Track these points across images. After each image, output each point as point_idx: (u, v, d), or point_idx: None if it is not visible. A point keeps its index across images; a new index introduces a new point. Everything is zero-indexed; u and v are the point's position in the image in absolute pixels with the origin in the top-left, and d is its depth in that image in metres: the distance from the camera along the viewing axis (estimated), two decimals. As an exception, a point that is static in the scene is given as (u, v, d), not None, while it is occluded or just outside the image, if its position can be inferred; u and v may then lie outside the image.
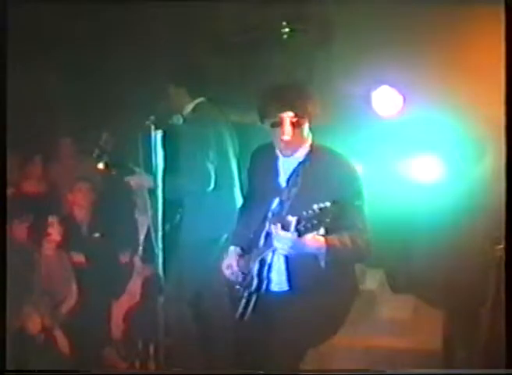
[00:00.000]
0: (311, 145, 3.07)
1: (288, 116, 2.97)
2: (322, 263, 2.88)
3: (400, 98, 5.11)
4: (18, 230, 5.06)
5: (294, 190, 3.01)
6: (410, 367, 4.47)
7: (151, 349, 4.57)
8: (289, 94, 2.99)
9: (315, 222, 2.68)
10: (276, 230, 2.80)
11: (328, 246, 2.84)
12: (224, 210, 4.00)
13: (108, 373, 4.53)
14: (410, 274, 5.33)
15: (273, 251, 3.01)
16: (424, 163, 5.23)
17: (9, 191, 4.94)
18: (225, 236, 3.74)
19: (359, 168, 5.29)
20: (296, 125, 2.98)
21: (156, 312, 3.42)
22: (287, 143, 3.01)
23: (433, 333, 4.93)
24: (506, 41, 3.45)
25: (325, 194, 2.83)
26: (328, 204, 2.65)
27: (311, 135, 3.10)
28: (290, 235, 2.75)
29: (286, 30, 5.21)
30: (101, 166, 4.00)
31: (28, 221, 5.16)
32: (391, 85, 5.12)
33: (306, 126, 3.04)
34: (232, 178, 4.16)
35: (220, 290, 3.37)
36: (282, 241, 2.79)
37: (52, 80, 5.38)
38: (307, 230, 2.72)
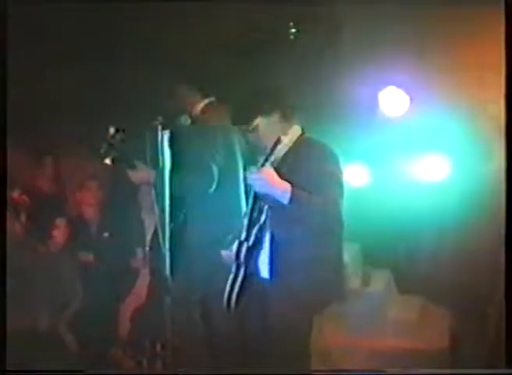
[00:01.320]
0: (299, 136, 3.42)
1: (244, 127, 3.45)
2: (287, 207, 3.15)
3: (407, 98, 5.14)
4: (24, 229, 5.06)
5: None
6: (418, 368, 4.45)
7: (158, 349, 4.53)
8: (244, 112, 3.46)
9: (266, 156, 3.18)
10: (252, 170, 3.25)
11: (293, 193, 3.14)
12: (229, 210, 3.99)
13: (109, 373, 4.53)
14: (417, 275, 5.35)
15: (260, 236, 3.34)
16: (431, 164, 5.25)
17: (15, 190, 4.96)
18: (230, 236, 3.73)
19: (365, 168, 5.41)
20: (252, 132, 3.43)
21: (163, 312, 3.43)
22: (253, 142, 3.46)
23: (440, 334, 4.95)
24: (506, 41, 3.48)
25: (305, 173, 3.23)
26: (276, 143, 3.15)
27: (298, 128, 3.45)
28: (256, 170, 3.20)
29: (293, 30, 5.22)
30: (108, 161, 3.99)
31: (35, 221, 5.15)
32: (398, 86, 5.15)
33: (267, 129, 3.39)
34: (238, 178, 4.15)
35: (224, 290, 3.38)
36: (254, 176, 3.20)
37: (59, 78, 5.36)
38: (263, 162, 3.18)
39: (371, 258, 5.55)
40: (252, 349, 3.43)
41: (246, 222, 3.39)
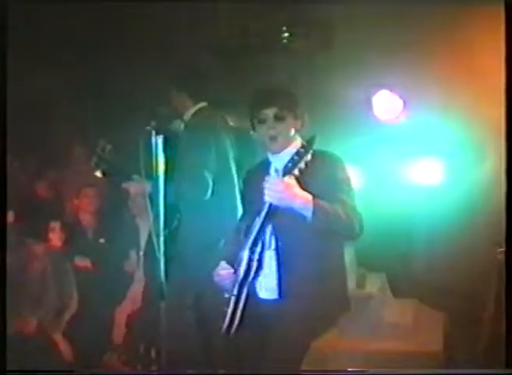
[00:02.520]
0: (302, 146, 3.07)
1: (271, 111, 3.18)
2: (309, 221, 2.94)
3: (400, 102, 5.19)
4: (21, 234, 5.06)
5: None
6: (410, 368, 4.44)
7: (153, 354, 4.57)
8: (273, 93, 3.25)
9: (290, 164, 2.88)
10: (268, 179, 2.96)
11: (315, 204, 2.92)
12: (222, 215, 3.99)
13: (108, 373, 4.58)
14: (412, 278, 5.39)
15: (261, 258, 3.11)
16: (425, 167, 5.30)
17: (13, 195, 4.98)
18: (223, 241, 3.75)
19: (360, 171, 5.43)
20: (280, 119, 3.18)
21: (158, 317, 3.43)
22: (273, 137, 3.19)
23: (435, 337, 4.93)
24: (506, 41, 3.47)
25: (314, 186, 2.99)
26: (300, 150, 2.88)
27: (299, 138, 3.26)
28: (277, 179, 2.92)
29: (286, 34, 5.24)
30: (98, 174, 4.06)
31: (31, 226, 5.16)
32: (391, 89, 5.20)
33: (290, 123, 3.22)
34: (231, 184, 4.16)
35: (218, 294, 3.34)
36: (271, 186, 2.90)
37: (54, 83, 5.39)
38: (287, 171, 2.89)
39: (366, 262, 5.53)
40: (249, 354, 3.33)
41: (251, 241, 3.09)
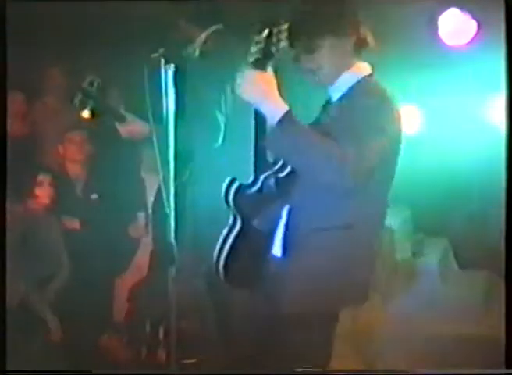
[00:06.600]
0: (363, 78, 3.13)
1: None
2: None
3: (473, 23, 5.10)
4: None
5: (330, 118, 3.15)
6: (480, 359, 4.47)
7: (161, 333, 4.58)
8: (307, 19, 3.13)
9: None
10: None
11: (289, 114, 2.92)
12: (239, 164, 3.71)
13: (111, 373, 4.58)
14: (482, 244, 5.29)
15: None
16: (500, 103, 5.01)
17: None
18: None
19: (419, 112, 5.30)
20: (315, 49, 3.10)
21: (167, 289, 3.42)
22: (314, 68, 3.13)
23: (510, 317, 4.91)
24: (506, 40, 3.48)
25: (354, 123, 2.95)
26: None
27: (363, 66, 3.17)
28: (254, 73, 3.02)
29: None
30: (85, 114, 4.00)
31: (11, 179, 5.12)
32: (461, 8, 5.10)
33: (334, 49, 3.11)
34: (248, 129, 4.10)
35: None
36: (246, 80, 3.04)
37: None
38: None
39: (426, 225, 5.60)
40: (269, 335, 3.27)
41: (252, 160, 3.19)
